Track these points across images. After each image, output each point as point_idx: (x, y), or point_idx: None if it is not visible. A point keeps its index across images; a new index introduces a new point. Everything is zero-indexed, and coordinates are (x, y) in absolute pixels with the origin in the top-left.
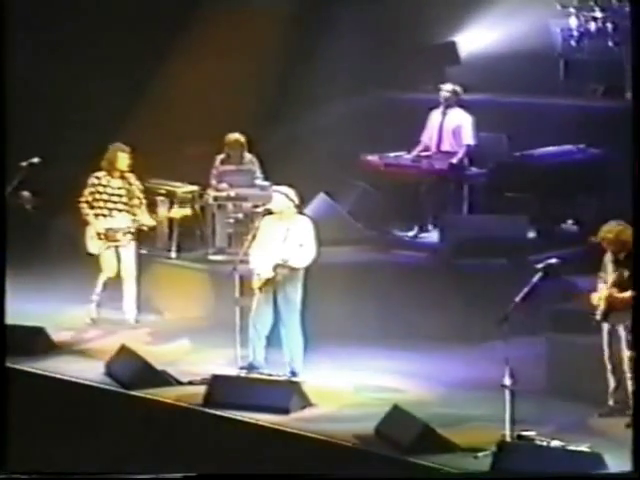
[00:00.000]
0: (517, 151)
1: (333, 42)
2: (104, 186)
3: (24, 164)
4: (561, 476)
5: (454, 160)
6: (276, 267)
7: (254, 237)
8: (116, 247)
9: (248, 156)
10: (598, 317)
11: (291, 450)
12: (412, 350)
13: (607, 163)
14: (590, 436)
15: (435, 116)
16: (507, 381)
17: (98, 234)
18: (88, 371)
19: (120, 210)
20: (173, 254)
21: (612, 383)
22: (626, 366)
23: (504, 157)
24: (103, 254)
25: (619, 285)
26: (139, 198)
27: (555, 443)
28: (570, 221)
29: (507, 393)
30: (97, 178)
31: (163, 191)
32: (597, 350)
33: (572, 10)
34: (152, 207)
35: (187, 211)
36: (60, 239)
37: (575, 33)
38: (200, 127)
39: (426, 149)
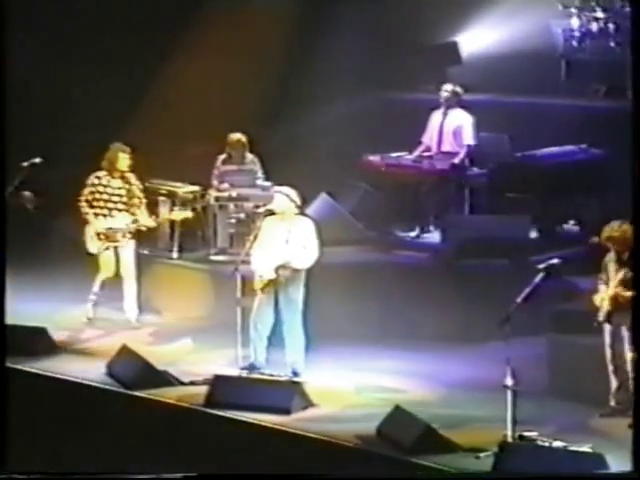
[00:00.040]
0: (519, 151)
1: (334, 42)
2: (104, 186)
3: (25, 164)
4: (562, 476)
5: (456, 160)
6: (278, 268)
7: (256, 237)
8: (115, 247)
9: (250, 156)
10: (601, 318)
11: (293, 450)
12: (414, 350)
13: (609, 163)
14: (592, 436)
15: (436, 117)
16: (509, 381)
17: (98, 234)
18: (89, 371)
19: (120, 210)
20: (175, 254)
21: (614, 384)
22: (629, 367)
23: (506, 157)
24: (102, 254)
25: (625, 285)
26: (139, 198)
27: (557, 444)
28: (572, 221)
29: (509, 393)
30: (97, 178)
31: (164, 191)
32: (599, 350)
33: (574, 10)
34: (154, 207)
35: (188, 214)
36: (61, 239)
37: (577, 33)
38: (201, 127)
39: (427, 150)
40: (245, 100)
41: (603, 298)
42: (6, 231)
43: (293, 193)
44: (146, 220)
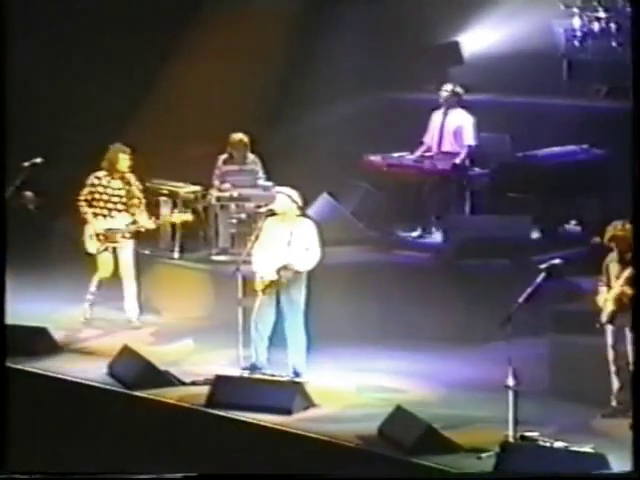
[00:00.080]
0: (520, 151)
1: (335, 42)
2: (104, 186)
3: (26, 164)
4: (564, 477)
5: (457, 160)
6: (280, 270)
7: (257, 238)
8: (114, 247)
9: (251, 156)
10: (603, 319)
11: (294, 450)
12: (415, 350)
13: (610, 163)
14: (593, 437)
15: (436, 117)
16: (510, 382)
17: (97, 234)
18: (90, 371)
19: (120, 211)
20: (176, 254)
21: (616, 384)
22: (632, 368)
23: (507, 157)
24: (100, 254)
25: (630, 283)
26: (139, 199)
27: (558, 444)
28: (573, 221)
29: (510, 394)
30: (97, 178)
31: (165, 191)
32: (600, 351)
33: (575, 10)
34: (155, 208)
35: (188, 216)
36: (61, 239)
37: (578, 33)
38: (202, 127)
39: (428, 150)
40: (246, 100)
41: (606, 299)
42: (6, 231)
43: (295, 194)
44: (145, 221)
